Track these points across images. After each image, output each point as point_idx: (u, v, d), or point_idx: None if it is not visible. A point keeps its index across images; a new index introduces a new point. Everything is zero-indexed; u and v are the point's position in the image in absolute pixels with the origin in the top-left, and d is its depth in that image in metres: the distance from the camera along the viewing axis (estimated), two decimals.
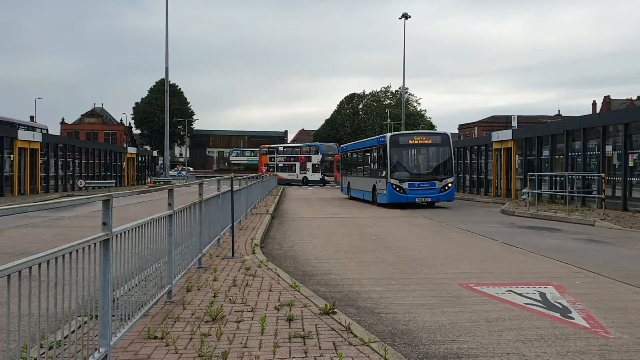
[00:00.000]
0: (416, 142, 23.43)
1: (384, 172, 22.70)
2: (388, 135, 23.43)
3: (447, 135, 23.88)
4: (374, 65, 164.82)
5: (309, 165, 53.98)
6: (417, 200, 22.09)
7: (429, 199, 22.35)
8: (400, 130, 53.54)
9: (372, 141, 26.48)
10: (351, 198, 29.17)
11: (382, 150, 23.40)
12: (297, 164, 55.24)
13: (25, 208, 2.94)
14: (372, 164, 25.56)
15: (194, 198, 7.73)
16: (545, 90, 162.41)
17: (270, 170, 57.39)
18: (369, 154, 26.41)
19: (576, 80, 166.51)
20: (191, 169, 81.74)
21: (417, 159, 24.01)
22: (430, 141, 23.27)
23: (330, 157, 52.68)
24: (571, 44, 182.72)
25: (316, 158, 53.53)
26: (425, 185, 22.34)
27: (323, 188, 47.64)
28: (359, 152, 29.05)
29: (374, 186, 24.32)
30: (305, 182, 53.55)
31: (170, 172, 56.51)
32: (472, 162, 34.59)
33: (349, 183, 30.45)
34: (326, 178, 52.81)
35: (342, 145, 35.52)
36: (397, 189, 22.16)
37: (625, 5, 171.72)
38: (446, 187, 22.50)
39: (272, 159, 59.59)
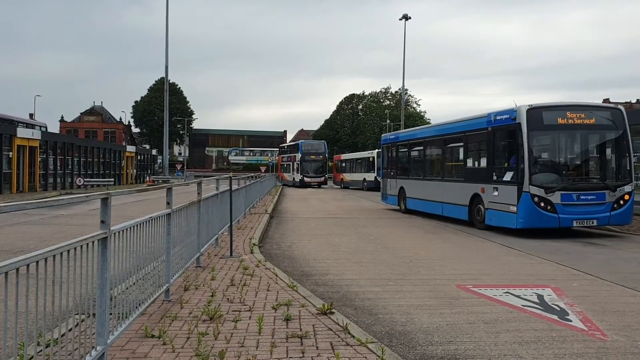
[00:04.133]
0: (573, 121, 13.26)
1: (510, 175, 13.41)
2: (523, 108, 13.00)
3: (619, 110, 13.81)
4: (374, 66, 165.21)
5: (295, 165, 50.66)
6: (574, 224, 12.96)
7: (594, 222, 13.07)
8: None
9: (474, 121, 15.74)
10: (407, 211, 20.20)
11: (505, 136, 13.92)
12: (291, 164, 52.77)
13: (24, 205, 2.94)
14: (474, 161, 16.14)
15: (192, 197, 7.73)
16: (546, 92, 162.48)
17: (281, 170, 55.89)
18: (465, 143, 16.36)
19: (576, 82, 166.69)
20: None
21: (574, 150, 14.25)
22: (593, 120, 13.33)
23: (313, 156, 49.00)
24: (572, 47, 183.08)
25: (298, 157, 49.83)
26: (589, 197, 13.07)
27: (308, 189, 44.53)
28: (432, 141, 18.79)
29: (477, 198, 14.98)
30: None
31: (177, 173, 56.45)
32: None
33: (402, 189, 20.86)
34: (306, 179, 48.25)
35: (386, 135, 24.78)
36: (542, 203, 12.75)
37: (626, 9, 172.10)
38: (621, 202, 13.25)
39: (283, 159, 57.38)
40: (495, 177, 14.16)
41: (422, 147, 19.69)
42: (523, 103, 13.14)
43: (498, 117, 14.19)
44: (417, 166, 20.41)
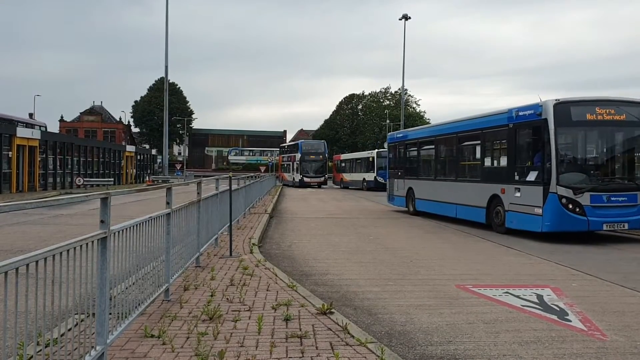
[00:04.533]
0: (602, 117, 12.46)
1: (535, 174, 12.58)
2: (550, 103, 12.25)
3: None
4: (374, 66, 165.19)
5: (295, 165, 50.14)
6: (604, 227, 12.35)
7: (626, 225, 12.39)
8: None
9: (493, 118, 14.75)
10: (416, 213, 19.29)
11: (528, 133, 13.03)
12: (291, 164, 52.30)
13: (23, 205, 2.94)
14: (492, 160, 15.19)
15: (192, 197, 7.73)
16: (546, 92, 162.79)
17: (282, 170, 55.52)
18: (482, 141, 15.34)
19: (576, 82, 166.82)
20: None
21: (603, 149, 13.33)
22: (623, 117, 12.57)
23: (313, 156, 48.64)
24: (572, 47, 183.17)
25: (298, 157, 49.31)
26: (620, 199, 12.30)
27: (308, 189, 44.33)
28: (445, 139, 17.74)
29: (496, 199, 14.11)
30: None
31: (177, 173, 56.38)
32: None
33: (410, 190, 19.92)
34: (306, 179, 47.71)
35: (393, 134, 23.70)
36: (570, 205, 11.96)
37: (626, 9, 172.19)
38: None
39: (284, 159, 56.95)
40: (517, 177, 13.26)
41: (433, 146, 18.62)
42: (548, 98, 12.48)
43: (521, 113, 13.28)
44: (427, 166, 19.44)
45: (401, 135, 22.49)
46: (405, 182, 20.57)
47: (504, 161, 14.26)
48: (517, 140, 13.51)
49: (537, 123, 12.53)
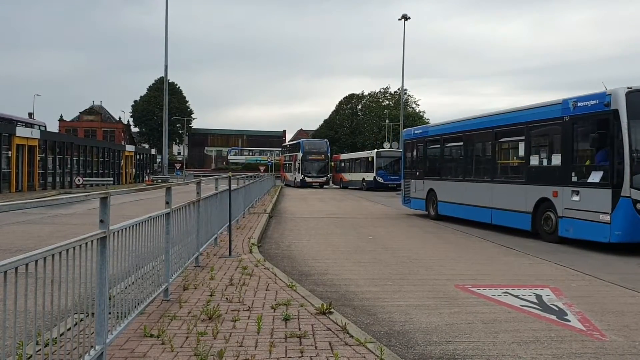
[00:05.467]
0: None
1: (599, 175, 10.92)
2: (620, 91, 10.64)
3: None
4: (374, 66, 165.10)
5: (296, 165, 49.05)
6: None
7: None
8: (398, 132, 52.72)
9: (543, 110, 12.92)
10: (437, 217, 17.63)
11: (591, 127, 11.25)
12: (292, 164, 51.30)
13: (23, 205, 2.94)
14: (541, 158, 13.12)
15: (191, 197, 7.73)
16: (547, 93, 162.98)
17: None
18: (527, 137, 13.41)
19: (576, 83, 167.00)
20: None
21: None
22: None
23: (315, 156, 47.64)
24: (573, 47, 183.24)
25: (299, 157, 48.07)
26: None
27: (308, 189, 43.75)
28: (478, 135, 15.99)
29: (546, 203, 12.37)
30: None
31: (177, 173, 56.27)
32: None
33: (432, 192, 18.15)
34: (308, 179, 46.57)
35: (409, 130, 21.59)
36: None
37: (627, 9, 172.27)
38: None
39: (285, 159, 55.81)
40: (575, 178, 11.45)
41: (462, 142, 16.72)
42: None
43: (580, 104, 11.51)
44: (454, 165, 17.56)
45: (420, 131, 20.24)
46: (425, 182, 18.66)
47: (556, 160, 12.29)
48: (575, 135, 11.68)
49: (603, 115, 10.81)
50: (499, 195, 14.30)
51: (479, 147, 16.39)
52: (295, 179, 49.05)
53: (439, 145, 18.36)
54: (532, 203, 12.80)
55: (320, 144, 50.78)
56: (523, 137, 13.58)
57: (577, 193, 11.39)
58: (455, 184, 16.79)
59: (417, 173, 19.46)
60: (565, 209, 11.71)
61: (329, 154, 49.68)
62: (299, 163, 48.21)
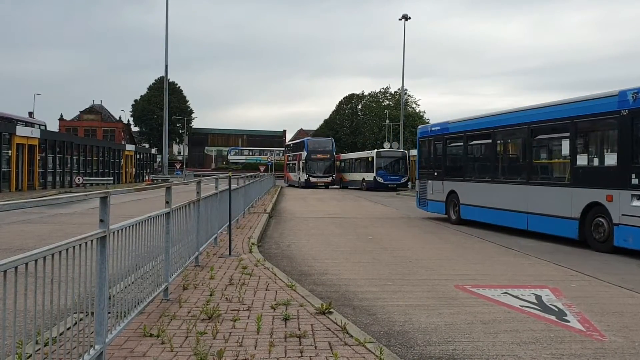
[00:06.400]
0: None
1: None
2: None
3: None
4: (374, 66, 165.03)
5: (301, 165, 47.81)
6: None
7: None
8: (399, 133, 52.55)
9: (594, 103, 11.37)
10: (460, 222, 16.13)
11: None
12: (296, 163, 50.10)
13: (23, 204, 2.94)
14: (590, 157, 12.00)
15: (191, 196, 7.73)
16: (547, 93, 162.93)
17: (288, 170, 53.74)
18: (573, 133, 11.96)
19: (577, 83, 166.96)
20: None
21: None
22: None
23: (320, 155, 46.54)
24: (573, 47, 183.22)
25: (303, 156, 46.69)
26: None
27: (308, 189, 43.17)
28: (510, 131, 14.60)
29: (597, 208, 11.10)
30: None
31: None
32: None
33: (453, 194, 16.72)
34: (312, 179, 45.45)
35: (425, 127, 20.27)
36: None
37: (628, 10, 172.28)
38: None
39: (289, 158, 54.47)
40: (636, 180, 10.11)
41: (490, 140, 15.14)
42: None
43: None
44: (479, 164, 16.15)
45: (438, 128, 18.36)
46: (444, 184, 17.16)
47: (611, 159, 11.03)
48: (636, 131, 10.27)
49: None
50: (536, 198, 12.91)
51: (512, 144, 14.96)
52: (299, 179, 47.91)
53: (461, 143, 16.73)
54: (580, 208, 11.43)
55: (325, 142, 49.45)
56: (567, 134, 12.16)
57: (639, 198, 10.11)
58: (481, 186, 15.28)
59: (436, 173, 17.88)
60: (623, 215, 10.36)
61: (334, 153, 48.39)
62: (303, 162, 46.95)
